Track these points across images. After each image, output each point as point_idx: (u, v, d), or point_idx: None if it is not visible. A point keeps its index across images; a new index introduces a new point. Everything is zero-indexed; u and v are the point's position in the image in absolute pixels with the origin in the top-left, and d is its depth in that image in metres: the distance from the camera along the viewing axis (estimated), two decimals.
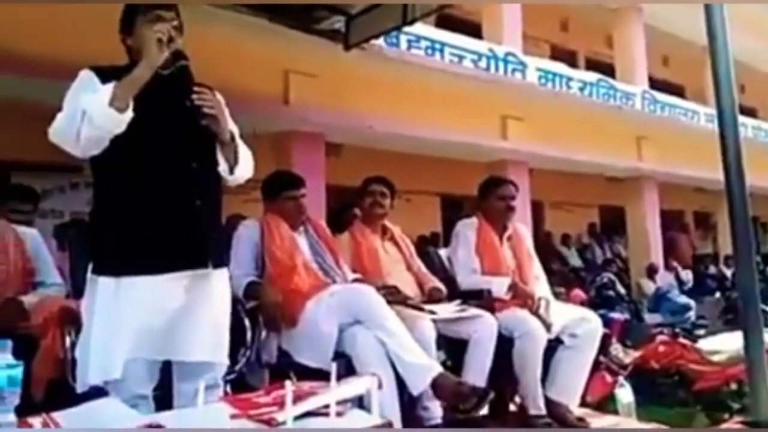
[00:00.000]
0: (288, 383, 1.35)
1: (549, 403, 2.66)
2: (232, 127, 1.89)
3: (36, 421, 1.23)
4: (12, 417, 1.19)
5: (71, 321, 1.90)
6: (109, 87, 1.63)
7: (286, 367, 2.24)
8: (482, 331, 2.53)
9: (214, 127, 1.77)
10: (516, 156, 7.41)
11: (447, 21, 7.81)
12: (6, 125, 4.50)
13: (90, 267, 1.75)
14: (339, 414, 1.46)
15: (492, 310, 2.66)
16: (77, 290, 1.93)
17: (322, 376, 1.66)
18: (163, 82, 1.74)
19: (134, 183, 1.72)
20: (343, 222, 3.41)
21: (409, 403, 2.29)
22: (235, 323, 1.96)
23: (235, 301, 2.03)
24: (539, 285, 3.00)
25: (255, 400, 1.56)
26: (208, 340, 1.78)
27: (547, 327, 2.67)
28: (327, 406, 1.44)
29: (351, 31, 4.28)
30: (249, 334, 2.19)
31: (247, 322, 2.19)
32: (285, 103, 5.57)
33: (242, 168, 1.90)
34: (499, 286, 2.80)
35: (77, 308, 1.85)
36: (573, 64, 9.93)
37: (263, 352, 2.30)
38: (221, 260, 1.85)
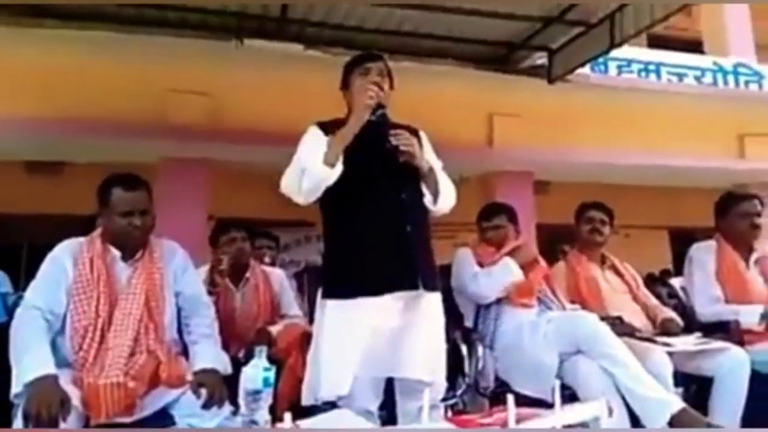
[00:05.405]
0: (510, 399, 1.33)
1: None
2: (432, 159, 2.04)
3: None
4: (267, 415, 1.37)
5: (309, 345, 2.11)
6: (324, 143, 1.88)
7: (504, 396, 2.19)
8: (730, 366, 2.21)
9: (411, 161, 1.93)
10: (760, 177, 6.44)
11: (660, 41, 7.25)
12: (251, 189, 5.31)
13: (320, 292, 1.95)
14: None
15: (741, 344, 2.32)
16: (312, 322, 2.14)
17: (542, 406, 1.60)
18: (370, 126, 1.95)
19: (353, 215, 1.91)
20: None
21: None
22: (453, 351, 1.99)
23: (451, 328, 2.07)
24: None
25: (478, 420, 1.56)
26: (425, 359, 1.86)
27: None
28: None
29: (554, 64, 4.22)
30: (467, 362, 2.20)
31: (464, 349, 2.21)
32: (489, 145, 5.63)
33: (444, 197, 2.02)
34: (750, 316, 2.45)
35: None
36: None
37: (481, 381, 2.29)
38: (432, 283, 1.94)
